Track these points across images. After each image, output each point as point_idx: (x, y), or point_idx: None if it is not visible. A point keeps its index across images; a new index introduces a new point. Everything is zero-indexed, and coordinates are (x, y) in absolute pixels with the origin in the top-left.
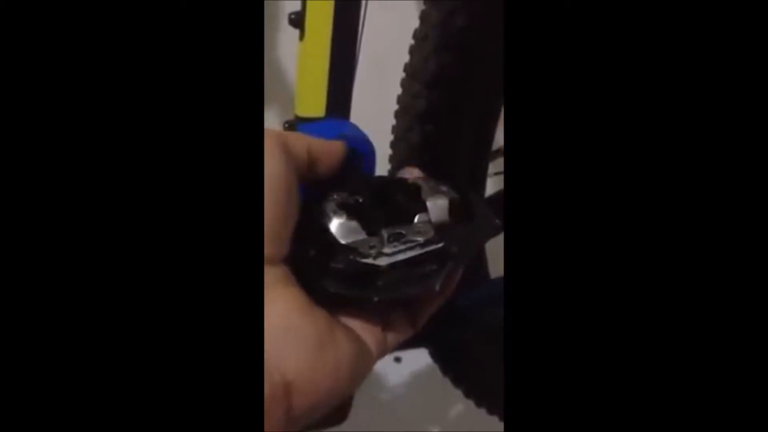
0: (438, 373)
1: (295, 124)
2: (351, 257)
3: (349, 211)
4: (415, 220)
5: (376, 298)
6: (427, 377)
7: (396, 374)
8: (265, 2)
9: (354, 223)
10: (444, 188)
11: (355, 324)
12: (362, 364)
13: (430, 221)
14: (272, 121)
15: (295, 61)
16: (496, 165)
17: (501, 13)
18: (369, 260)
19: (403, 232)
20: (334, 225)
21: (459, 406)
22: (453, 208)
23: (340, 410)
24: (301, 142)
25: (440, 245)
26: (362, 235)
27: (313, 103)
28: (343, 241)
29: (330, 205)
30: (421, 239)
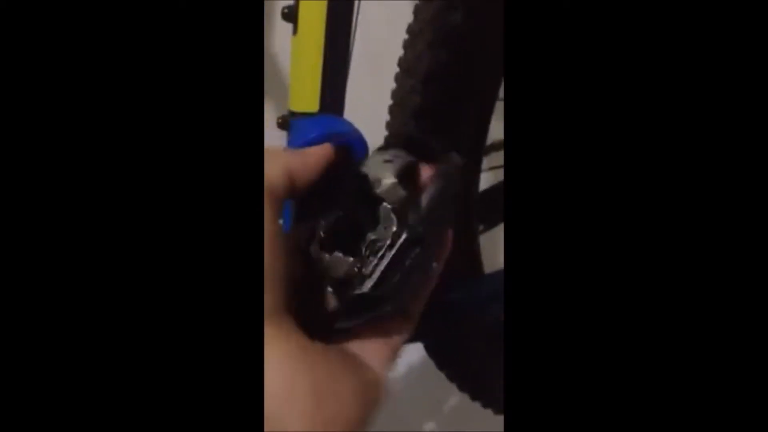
0: (433, 366)
1: (288, 118)
2: (348, 292)
3: (334, 242)
4: (380, 215)
5: (389, 308)
6: (421, 370)
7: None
8: None
9: (339, 255)
10: (388, 157)
11: (357, 346)
12: (369, 397)
13: (390, 208)
14: (267, 115)
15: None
16: (491, 159)
17: (496, 7)
18: (360, 290)
19: (375, 237)
20: (325, 262)
21: (454, 399)
22: (406, 175)
23: None
24: (278, 163)
25: (404, 237)
26: (348, 263)
27: (306, 98)
28: (335, 276)
29: (314, 247)
30: (389, 240)
